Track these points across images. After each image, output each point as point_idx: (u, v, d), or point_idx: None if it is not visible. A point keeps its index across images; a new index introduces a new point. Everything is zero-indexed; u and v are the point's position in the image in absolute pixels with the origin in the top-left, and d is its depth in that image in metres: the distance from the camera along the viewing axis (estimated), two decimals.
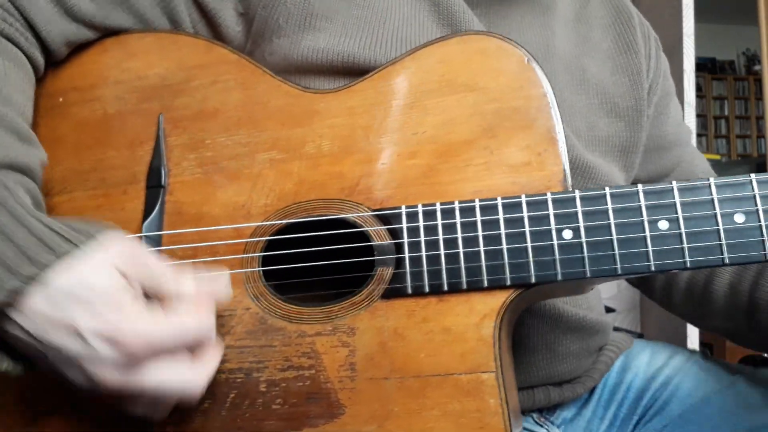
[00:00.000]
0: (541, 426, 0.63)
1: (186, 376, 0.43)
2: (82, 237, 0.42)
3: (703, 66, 5.10)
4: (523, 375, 0.59)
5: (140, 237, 0.52)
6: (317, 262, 0.49)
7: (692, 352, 0.68)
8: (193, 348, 0.44)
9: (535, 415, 0.63)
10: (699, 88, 5.06)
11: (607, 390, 0.66)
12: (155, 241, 0.53)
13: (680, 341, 1.24)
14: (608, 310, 1.22)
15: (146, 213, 0.54)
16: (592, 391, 0.66)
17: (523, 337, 0.58)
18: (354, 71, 0.54)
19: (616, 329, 0.73)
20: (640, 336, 0.72)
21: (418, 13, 0.57)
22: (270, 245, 0.51)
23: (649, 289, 0.72)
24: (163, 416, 0.45)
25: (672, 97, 0.71)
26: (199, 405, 0.49)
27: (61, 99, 0.60)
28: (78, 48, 0.59)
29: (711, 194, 0.43)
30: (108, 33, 0.59)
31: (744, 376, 0.59)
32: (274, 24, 0.57)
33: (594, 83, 0.63)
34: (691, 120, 1.44)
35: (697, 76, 1.60)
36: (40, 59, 0.56)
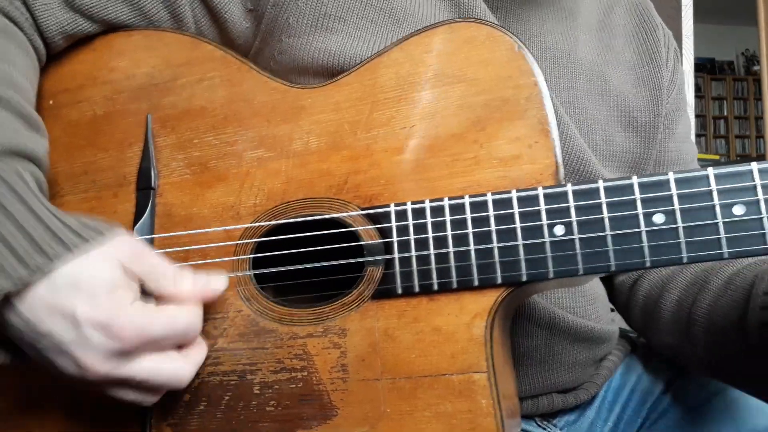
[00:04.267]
0: (544, 429, 0.62)
1: (175, 365, 0.44)
2: (92, 233, 0.43)
3: (702, 66, 5.10)
4: (529, 385, 0.59)
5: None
6: (308, 263, 0.49)
7: None
8: (180, 343, 0.45)
9: (537, 419, 0.63)
10: (698, 89, 5.03)
11: (611, 392, 0.65)
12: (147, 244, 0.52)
13: None
14: None
15: (137, 216, 0.53)
16: (595, 394, 0.65)
17: (531, 349, 0.58)
18: None
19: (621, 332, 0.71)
20: (638, 336, 0.71)
21: (438, 15, 0.55)
22: (260, 246, 0.50)
23: (613, 300, 0.69)
24: (151, 403, 0.46)
25: (682, 113, 0.68)
26: (194, 407, 0.49)
27: (51, 101, 0.59)
28: (67, 49, 0.59)
29: (709, 185, 0.41)
30: (108, 27, 0.57)
31: None
32: (284, 23, 0.56)
33: (615, 95, 0.60)
34: (690, 120, 1.41)
35: (696, 77, 1.59)
36: (42, 48, 0.55)
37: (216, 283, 0.47)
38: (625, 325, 0.70)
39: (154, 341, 0.43)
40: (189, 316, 0.45)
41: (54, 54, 0.58)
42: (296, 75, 0.55)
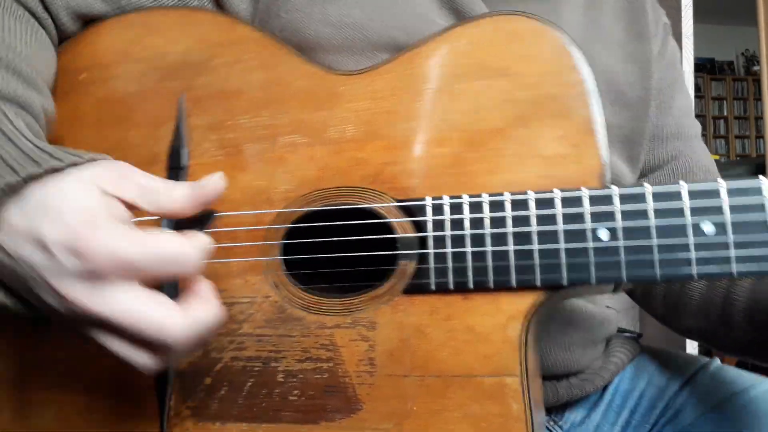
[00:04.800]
0: (551, 430, 0.62)
1: (160, 311, 0.38)
2: (72, 157, 0.41)
3: (702, 66, 5.09)
4: None
5: (160, 220, 0.52)
6: (339, 252, 0.48)
7: (702, 359, 0.66)
8: (171, 278, 0.41)
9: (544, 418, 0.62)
10: (698, 89, 5.00)
11: (619, 395, 0.64)
12: (175, 224, 0.52)
13: (679, 340, 1.21)
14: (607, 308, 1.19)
15: None
16: (601, 396, 0.65)
17: None
18: (364, 43, 0.52)
19: (620, 330, 0.71)
20: (640, 336, 0.71)
21: None
22: (291, 233, 0.50)
23: (630, 290, 0.69)
24: (146, 367, 0.40)
25: (677, 88, 0.67)
26: (215, 391, 0.49)
27: (83, 75, 0.58)
28: (99, 24, 0.58)
29: (762, 197, 0.39)
30: (117, 8, 0.57)
31: (757, 383, 0.57)
32: None
33: (602, 70, 0.59)
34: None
35: (696, 77, 1.56)
36: (51, 27, 0.55)
37: (214, 181, 0.42)
38: (623, 324, 0.70)
39: (132, 267, 0.37)
40: (182, 244, 0.39)
41: (67, 36, 0.57)
42: (299, 51, 0.54)
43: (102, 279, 0.38)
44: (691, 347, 1.24)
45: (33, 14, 0.54)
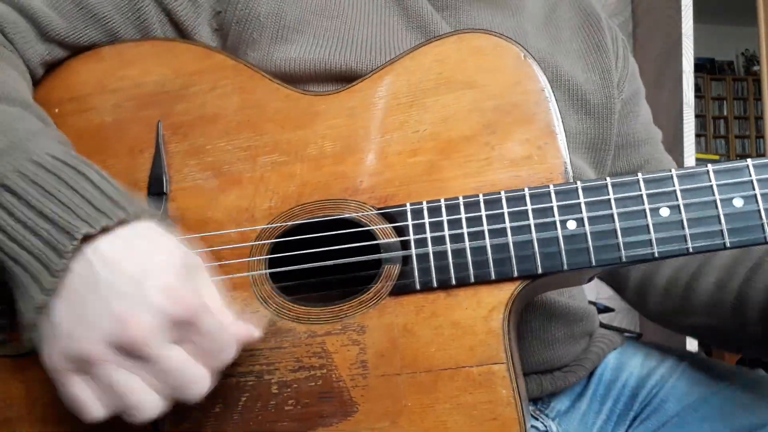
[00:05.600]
0: (536, 419, 0.64)
1: (200, 372, 0.42)
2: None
3: (702, 66, 5.05)
4: None
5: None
6: (324, 262, 0.50)
7: (686, 353, 0.68)
8: (212, 354, 0.43)
9: (530, 407, 0.64)
10: (698, 89, 5.02)
11: (603, 385, 0.66)
12: None
13: (679, 340, 1.24)
14: (607, 309, 1.22)
15: None
16: (586, 385, 0.67)
17: None
18: (327, 77, 0.55)
19: (605, 326, 0.74)
20: (639, 336, 0.73)
21: (388, 19, 0.59)
22: (276, 248, 0.51)
23: (622, 288, 0.72)
24: (153, 409, 0.42)
25: (641, 97, 0.72)
26: (210, 409, 0.49)
27: (57, 110, 0.59)
28: (72, 59, 0.59)
29: (710, 180, 0.44)
30: (80, 51, 0.59)
31: (740, 376, 0.60)
32: (248, 38, 0.58)
33: (566, 80, 0.64)
34: (689, 120, 1.45)
35: (696, 77, 1.61)
36: (28, 74, 0.57)
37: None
38: (624, 325, 0.72)
39: (200, 330, 0.41)
40: (234, 338, 0.43)
41: (37, 81, 0.59)
42: None
43: (175, 325, 0.40)
44: (691, 346, 1.26)
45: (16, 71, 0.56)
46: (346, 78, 0.55)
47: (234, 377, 0.49)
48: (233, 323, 0.43)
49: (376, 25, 0.58)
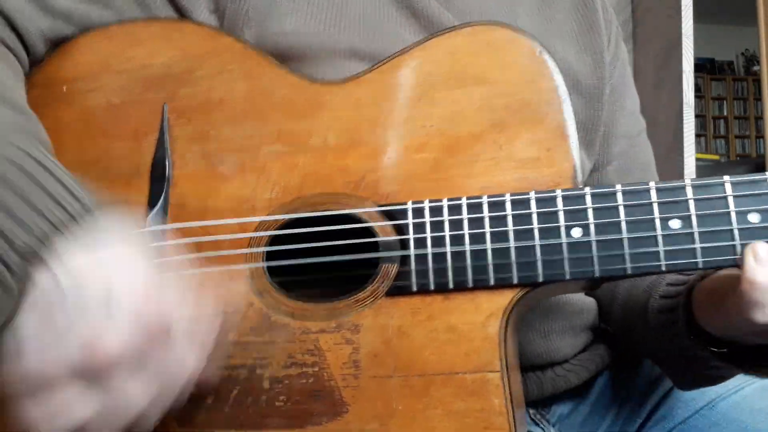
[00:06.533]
0: (537, 424, 0.62)
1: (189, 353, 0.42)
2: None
3: (702, 66, 5.08)
4: None
5: (145, 230, 0.52)
6: (322, 257, 0.49)
7: None
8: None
9: (531, 412, 0.63)
10: (698, 89, 5.02)
11: (609, 389, 0.65)
12: (159, 235, 0.52)
13: None
14: None
15: (150, 205, 0.53)
16: (589, 389, 0.65)
17: None
18: (322, 52, 0.54)
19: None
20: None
21: None
22: (274, 240, 0.50)
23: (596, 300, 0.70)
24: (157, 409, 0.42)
25: (629, 87, 0.71)
26: (201, 401, 0.49)
27: (65, 88, 0.59)
28: (81, 37, 0.59)
29: (725, 192, 0.42)
30: (84, 28, 0.58)
31: (749, 382, 0.59)
32: (243, 16, 0.57)
33: (558, 61, 0.62)
34: (689, 120, 1.45)
35: (696, 77, 1.59)
36: (25, 57, 0.56)
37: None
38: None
39: (162, 360, 0.40)
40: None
41: (37, 61, 0.58)
42: None
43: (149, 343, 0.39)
44: None
45: (8, 47, 0.55)
46: (344, 54, 0.54)
47: (227, 369, 0.49)
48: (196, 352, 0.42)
49: (368, 1, 0.57)
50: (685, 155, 1.43)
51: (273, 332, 0.49)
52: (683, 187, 0.42)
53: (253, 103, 0.54)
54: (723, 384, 0.59)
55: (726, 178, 0.42)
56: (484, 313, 0.44)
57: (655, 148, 0.74)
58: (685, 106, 1.45)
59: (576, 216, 0.43)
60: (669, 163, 1.45)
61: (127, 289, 0.39)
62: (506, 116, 0.47)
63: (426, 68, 0.50)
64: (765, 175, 0.41)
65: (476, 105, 0.48)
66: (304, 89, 0.53)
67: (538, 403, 0.63)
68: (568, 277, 0.43)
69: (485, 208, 0.45)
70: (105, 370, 0.38)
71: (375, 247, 0.48)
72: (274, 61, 0.54)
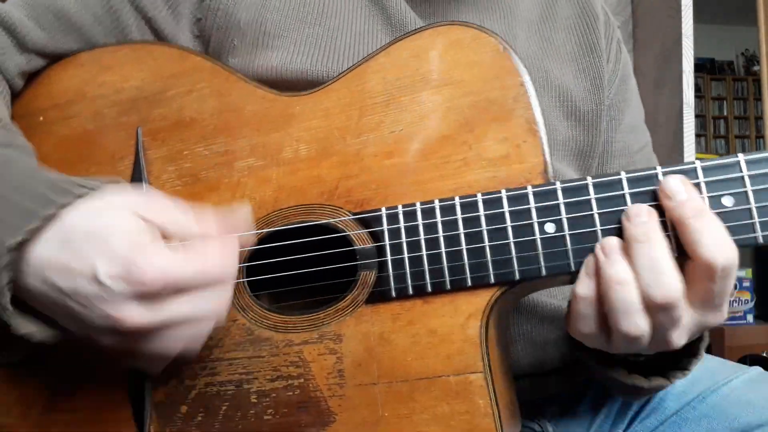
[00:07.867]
0: (532, 420, 0.62)
1: (213, 295, 0.42)
2: (98, 183, 0.43)
3: (701, 66, 5.00)
4: None
5: None
6: (301, 269, 0.49)
7: None
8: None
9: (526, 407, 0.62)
10: (698, 89, 4.98)
11: (601, 386, 0.64)
12: None
13: None
14: None
15: None
16: (584, 387, 0.65)
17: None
18: (309, 86, 0.54)
19: None
20: None
21: (372, 28, 0.57)
22: (253, 255, 0.50)
23: None
24: (221, 311, 0.44)
25: (628, 103, 0.68)
26: (192, 418, 0.49)
27: (41, 118, 0.59)
28: (53, 66, 0.59)
29: (697, 177, 0.41)
30: (60, 58, 0.59)
31: (740, 374, 0.58)
32: (229, 45, 0.58)
33: (556, 85, 0.62)
34: (689, 120, 1.44)
35: (696, 77, 1.59)
36: (8, 91, 0.57)
37: (240, 215, 0.46)
38: None
39: (184, 286, 0.40)
40: (223, 262, 0.42)
41: (17, 93, 0.59)
42: None
43: (154, 297, 0.40)
44: None
45: None
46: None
47: (214, 386, 0.49)
48: (214, 255, 0.42)
49: (359, 34, 0.57)
50: (685, 155, 1.42)
51: (257, 347, 0.49)
52: (655, 176, 0.42)
53: (223, 119, 0.54)
54: (712, 376, 0.59)
55: (698, 163, 0.42)
56: (464, 315, 0.44)
57: (655, 148, 0.72)
58: (685, 106, 1.45)
59: (548, 211, 0.43)
60: (669, 164, 1.44)
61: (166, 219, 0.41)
62: (474, 115, 0.47)
63: (392, 72, 0.50)
64: (737, 157, 0.41)
65: (444, 106, 0.48)
66: (273, 102, 0.53)
67: (533, 399, 0.63)
68: (544, 273, 0.42)
69: (458, 209, 0.45)
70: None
71: (353, 255, 0.48)
72: (242, 77, 0.54)
